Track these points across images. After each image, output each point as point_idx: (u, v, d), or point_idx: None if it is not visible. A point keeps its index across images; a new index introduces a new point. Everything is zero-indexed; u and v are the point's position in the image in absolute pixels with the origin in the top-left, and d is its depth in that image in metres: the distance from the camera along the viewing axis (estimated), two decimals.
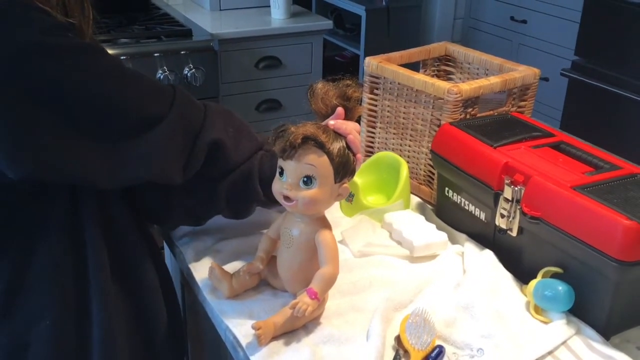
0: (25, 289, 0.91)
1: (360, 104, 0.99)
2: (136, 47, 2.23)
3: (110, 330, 0.95)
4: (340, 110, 0.93)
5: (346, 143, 0.90)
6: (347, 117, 0.94)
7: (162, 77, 2.25)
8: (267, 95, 2.67)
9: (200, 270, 1.07)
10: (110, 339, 0.95)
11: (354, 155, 0.92)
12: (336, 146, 0.89)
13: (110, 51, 0.96)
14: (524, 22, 3.12)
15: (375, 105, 1.36)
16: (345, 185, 0.92)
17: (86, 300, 0.94)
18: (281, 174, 0.90)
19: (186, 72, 2.30)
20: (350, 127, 0.91)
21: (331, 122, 0.91)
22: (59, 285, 0.92)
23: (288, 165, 0.89)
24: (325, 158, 0.88)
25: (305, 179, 0.88)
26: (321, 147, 0.88)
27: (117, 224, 0.97)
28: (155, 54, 2.24)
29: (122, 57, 2.17)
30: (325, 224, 0.94)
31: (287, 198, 0.89)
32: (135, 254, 1.01)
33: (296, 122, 0.90)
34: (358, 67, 3.67)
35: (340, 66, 3.85)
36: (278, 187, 0.90)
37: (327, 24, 2.72)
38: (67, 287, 0.92)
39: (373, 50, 1.40)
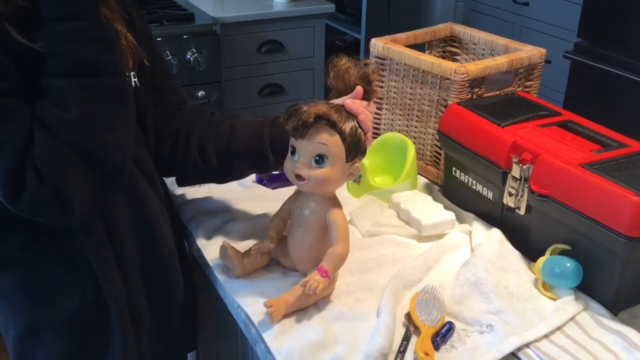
0: (41, 275, 0.93)
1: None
2: None
3: (130, 309, 0.96)
4: (359, 89, 0.93)
5: (357, 122, 0.91)
6: (364, 98, 0.94)
7: None
8: (270, 79, 2.66)
9: (211, 250, 1.07)
10: (130, 314, 0.96)
11: (365, 134, 0.92)
12: (348, 125, 0.89)
13: None
14: (526, 4, 3.10)
15: (382, 87, 1.36)
16: (356, 164, 0.93)
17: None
18: (293, 152, 0.90)
19: (189, 56, 2.30)
20: (362, 107, 0.92)
21: (347, 100, 0.92)
22: (73, 269, 0.93)
23: (300, 144, 0.89)
24: (337, 137, 0.89)
25: (317, 158, 0.89)
26: (333, 126, 0.88)
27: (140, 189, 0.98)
28: (158, 39, 2.23)
29: None
30: (336, 203, 0.95)
31: (299, 177, 0.90)
32: (155, 219, 1.01)
33: (308, 102, 0.90)
34: (359, 52, 3.66)
35: (341, 51, 3.79)
36: (290, 165, 0.91)
37: (330, 7, 2.71)
38: (83, 270, 0.93)
39: (374, 34, 1.39)
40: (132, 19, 0.97)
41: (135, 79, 0.98)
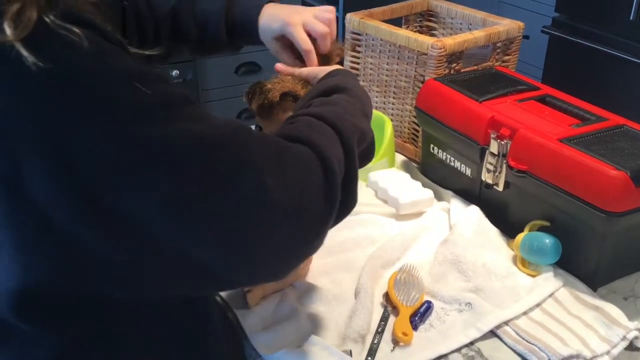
0: None
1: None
2: None
3: None
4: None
5: None
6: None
7: None
8: (246, 57, 2.62)
9: None
10: None
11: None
12: None
13: None
14: None
15: (358, 63, 1.34)
16: None
17: None
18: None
19: None
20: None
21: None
22: None
23: (267, 124, 0.86)
24: None
25: None
26: None
27: None
28: None
29: None
30: None
31: None
32: None
33: (269, 78, 0.87)
34: (337, 30, 3.62)
35: None
36: None
37: None
38: None
39: (351, 11, 1.36)
40: None
41: None
